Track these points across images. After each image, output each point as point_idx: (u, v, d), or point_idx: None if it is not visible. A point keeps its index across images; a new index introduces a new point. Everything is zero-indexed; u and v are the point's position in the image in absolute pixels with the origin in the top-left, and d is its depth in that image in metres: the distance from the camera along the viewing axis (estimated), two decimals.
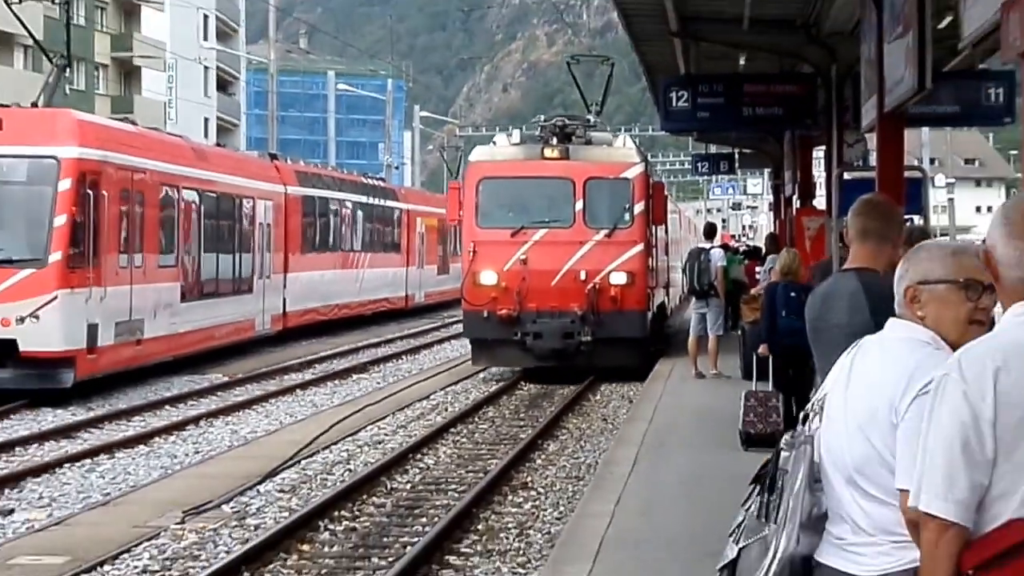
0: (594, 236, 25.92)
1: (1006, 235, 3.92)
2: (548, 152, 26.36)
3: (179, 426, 24.49)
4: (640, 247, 26.45)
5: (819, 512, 4.16)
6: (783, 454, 4.63)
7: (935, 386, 3.87)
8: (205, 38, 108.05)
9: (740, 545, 4.76)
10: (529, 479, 19.33)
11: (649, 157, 30.88)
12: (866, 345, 4.67)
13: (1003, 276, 3.99)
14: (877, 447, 4.25)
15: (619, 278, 25.88)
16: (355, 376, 33.20)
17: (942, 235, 38.11)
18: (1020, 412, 3.68)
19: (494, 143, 28.60)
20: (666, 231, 36.44)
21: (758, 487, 4.77)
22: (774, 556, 4.43)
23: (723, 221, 64.99)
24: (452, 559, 14.59)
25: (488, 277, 25.98)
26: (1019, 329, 3.89)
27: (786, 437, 4.65)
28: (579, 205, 25.97)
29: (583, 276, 25.65)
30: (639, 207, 26.35)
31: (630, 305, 26.15)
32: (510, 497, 18.04)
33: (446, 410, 25.53)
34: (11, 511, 17.24)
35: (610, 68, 33.41)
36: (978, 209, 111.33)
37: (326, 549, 15.10)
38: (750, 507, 4.83)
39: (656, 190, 29.49)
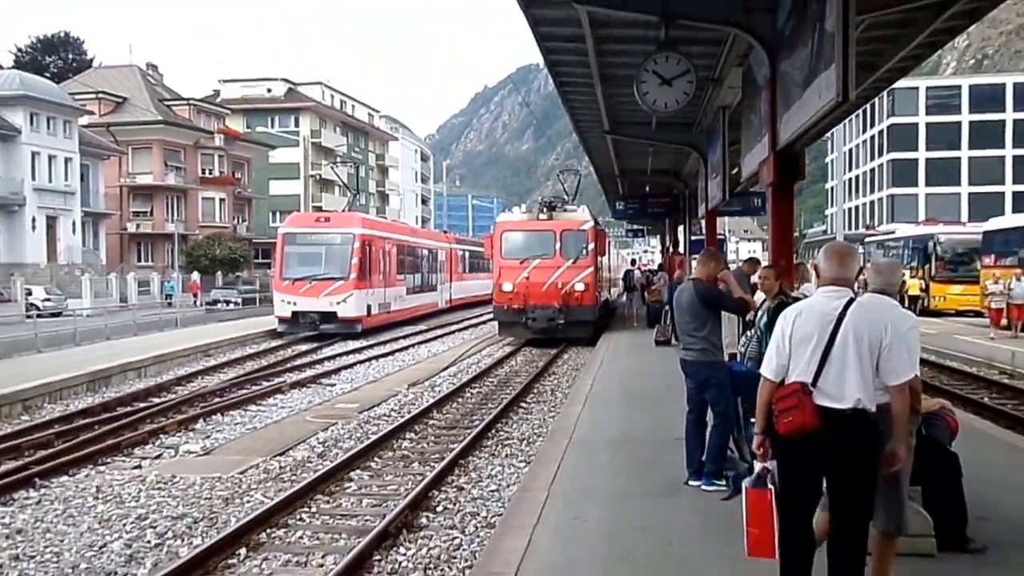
0: (566, 263, 23.66)
1: (824, 258, 4.42)
2: (541, 216, 24.31)
3: (404, 349, 24.44)
4: (591, 269, 23.91)
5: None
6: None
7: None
8: (416, 181, 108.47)
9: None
10: (555, 371, 19.15)
11: (598, 220, 27.96)
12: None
13: (821, 275, 4.44)
14: None
15: (580, 287, 23.50)
16: (479, 327, 32.81)
17: (732, 264, 37.71)
18: (800, 335, 4.25)
19: (511, 212, 26.55)
20: (608, 259, 34.13)
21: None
22: None
23: (638, 258, 64.73)
24: (522, 405, 14.64)
25: (507, 286, 23.62)
26: (816, 298, 4.39)
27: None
28: (557, 245, 23.76)
29: (560, 285, 23.35)
30: (590, 246, 24.04)
31: (586, 302, 23.59)
32: (546, 378, 17.94)
33: (520, 343, 24.85)
34: (334, 385, 17.44)
35: (579, 177, 31.29)
36: (748, 251, 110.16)
37: (468, 401, 15.14)
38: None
39: (600, 236, 26.96)
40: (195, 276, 48.22)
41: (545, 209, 24.49)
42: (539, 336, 23.42)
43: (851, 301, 4.23)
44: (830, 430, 4.08)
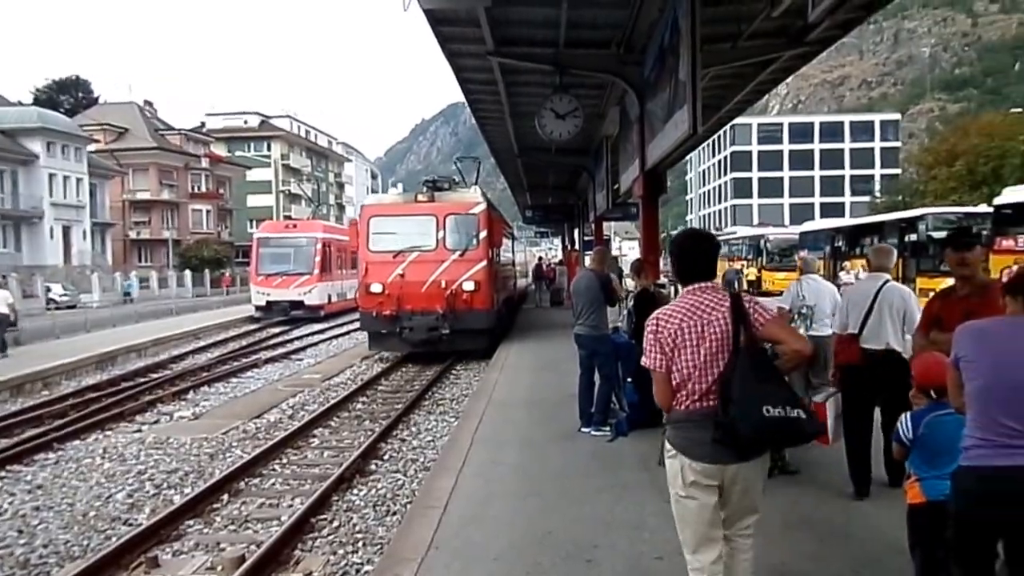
0: (451, 256, 14.93)
1: (871, 254, 5.44)
2: (420, 198, 15.27)
3: (358, 329, 23.42)
4: (484, 263, 14.98)
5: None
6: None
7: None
8: (367, 195, 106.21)
9: None
10: (458, 367, 17.01)
11: (493, 203, 17.55)
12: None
13: (870, 265, 5.35)
14: None
15: (469, 286, 14.75)
16: None
17: (614, 257, 37.95)
18: (851, 303, 5.01)
19: (384, 193, 16.70)
20: (512, 251, 25.80)
21: None
22: None
23: (544, 254, 64.49)
24: (453, 372, 14.35)
25: (376, 287, 14.73)
26: (863, 280, 5.15)
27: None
28: (440, 234, 15.02)
29: (443, 284, 14.69)
30: (483, 234, 15.21)
31: (478, 305, 14.87)
32: (472, 352, 15.81)
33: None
34: (301, 360, 16.75)
35: (478, 163, 21.15)
36: (628, 248, 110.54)
37: (410, 370, 14.75)
38: None
39: (496, 223, 17.82)
40: (228, 272, 49.71)
41: (426, 189, 15.54)
42: (418, 349, 15.06)
43: (886, 282, 4.88)
44: (870, 364, 4.72)
